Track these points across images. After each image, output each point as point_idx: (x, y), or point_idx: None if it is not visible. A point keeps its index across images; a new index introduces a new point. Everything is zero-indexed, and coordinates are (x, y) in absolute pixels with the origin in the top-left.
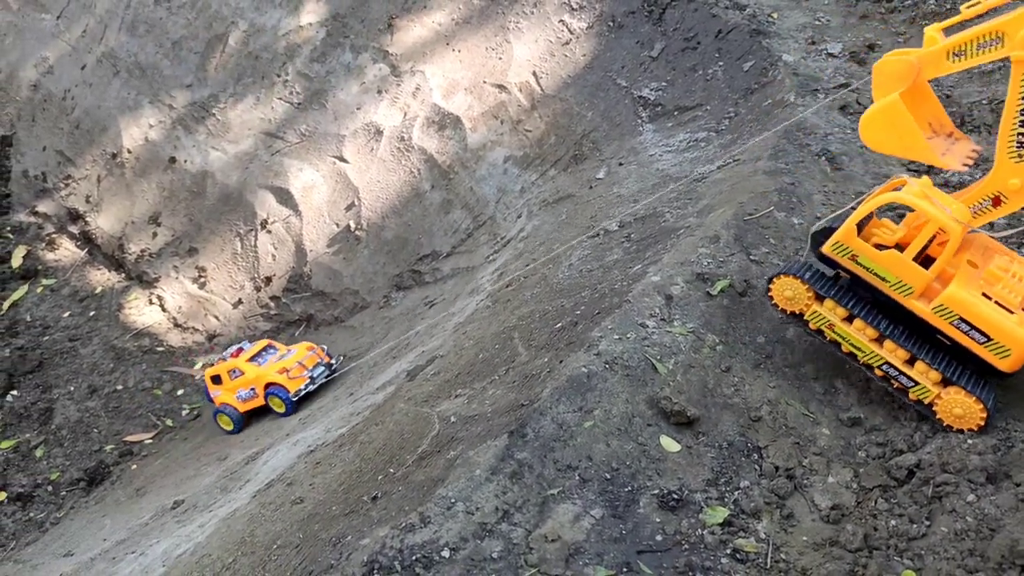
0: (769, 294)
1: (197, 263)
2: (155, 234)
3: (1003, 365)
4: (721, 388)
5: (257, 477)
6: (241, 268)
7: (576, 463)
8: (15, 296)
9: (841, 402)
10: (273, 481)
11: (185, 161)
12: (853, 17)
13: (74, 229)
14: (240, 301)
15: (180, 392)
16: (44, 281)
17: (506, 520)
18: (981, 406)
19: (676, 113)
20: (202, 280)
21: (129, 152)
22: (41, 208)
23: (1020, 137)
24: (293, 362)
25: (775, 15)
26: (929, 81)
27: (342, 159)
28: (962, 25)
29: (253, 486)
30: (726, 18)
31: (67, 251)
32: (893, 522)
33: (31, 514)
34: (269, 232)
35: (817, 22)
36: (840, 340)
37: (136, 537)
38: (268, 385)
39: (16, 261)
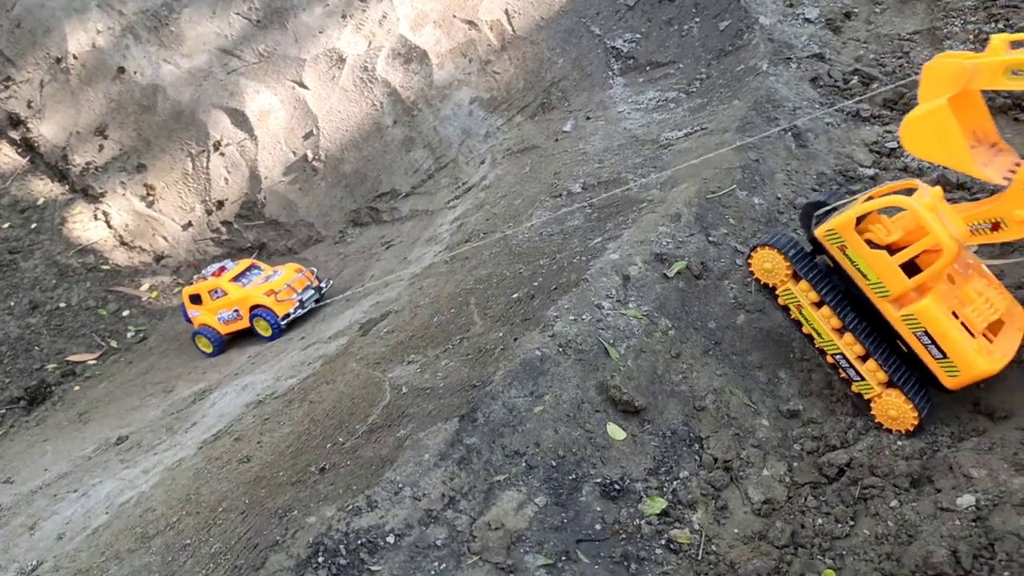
0: (749, 260)
1: (145, 180)
2: (101, 147)
3: (949, 383)
4: (670, 375)
5: (204, 421)
6: (192, 189)
7: (524, 449)
8: None
9: (783, 392)
10: (220, 432)
11: (135, 72)
12: None
13: (15, 135)
14: (190, 223)
15: (126, 313)
16: None
17: (452, 507)
18: (915, 413)
19: (648, 68)
20: (150, 198)
21: (75, 58)
22: None
23: None
24: (281, 284)
25: None
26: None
27: (302, 84)
28: None
29: (199, 431)
30: None
31: (7, 158)
32: (820, 520)
33: None
34: (222, 155)
35: None
36: (803, 321)
37: (78, 472)
38: (254, 307)
39: None
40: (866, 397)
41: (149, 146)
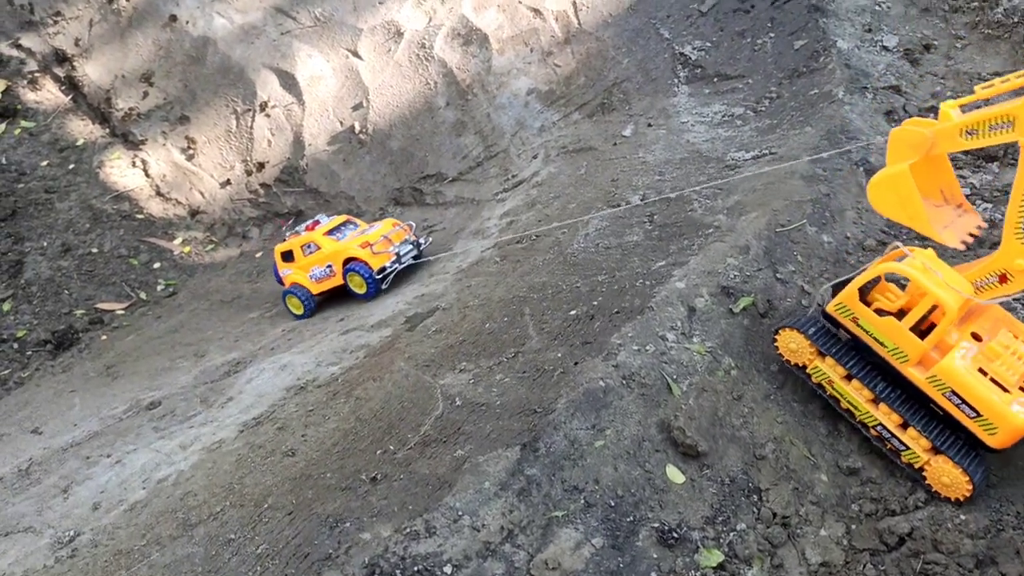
0: (774, 343)
1: (187, 133)
2: (146, 94)
3: (991, 442)
4: (731, 418)
5: (241, 398)
6: (233, 147)
7: (583, 485)
8: None
9: (842, 447)
10: (262, 417)
11: (187, 22)
12: (915, 8)
13: (59, 72)
14: (228, 182)
15: (157, 266)
16: (23, 123)
17: (510, 541)
18: (967, 478)
19: (715, 80)
20: (191, 152)
21: (127, 0)
22: (25, 42)
23: None
24: (377, 236)
25: None
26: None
27: (356, 54)
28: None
29: (236, 410)
30: None
31: (50, 94)
32: None
33: None
34: (268, 116)
35: (877, 7)
36: (839, 397)
37: (110, 435)
38: (348, 261)
39: None
40: (916, 466)
41: (194, 98)
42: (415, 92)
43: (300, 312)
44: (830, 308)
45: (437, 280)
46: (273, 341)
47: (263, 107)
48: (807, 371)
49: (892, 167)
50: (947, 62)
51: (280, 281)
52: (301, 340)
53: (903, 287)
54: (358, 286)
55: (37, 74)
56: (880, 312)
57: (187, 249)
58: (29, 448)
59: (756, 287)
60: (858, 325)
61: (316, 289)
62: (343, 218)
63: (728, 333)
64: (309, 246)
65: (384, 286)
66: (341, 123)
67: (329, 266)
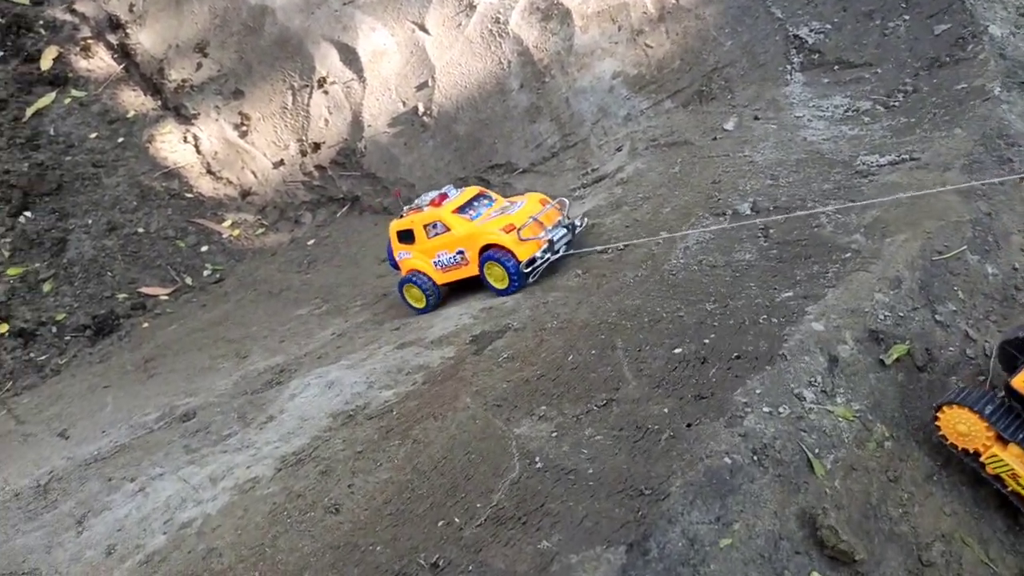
0: (936, 423)
1: (241, 108)
2: (200, 65)
3: None
4: (886, 506)
5: (282, 419)
6: (288, 126)
7: None
8: (40, 103)
9: None
10: (303, 452)
11: None
12: None
13: (112, 39)
14: (282, 162)
15: (204, 249)
16: (73, 92)
17: None
18: None
19: (836, 68)
20: (244, 128)
21: None
22: (79, 7)
23: None
24: (524, 216)
25: None
26: None
27: (423, 28)
28: None
29: (276, 435)
30: None
31: (102, 62)
32: None
33: (31, 354)
34: (326, 93)
35: None
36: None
37: (137, 450)
38: (487, 248)
39: (46, 63)
40: None
41: (250, 72)
42: (486, 72)
43: (422, 305)
44: (1019, 383)
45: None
46: (322, 346)
47: (321, 83)
48: (981, 460)
49: None
50: None
51: (395, 266)
52: (352, 349)
53: None
54: (498, 280)
55: (90, 41)
56: None
57: (236, 232)
58: (53, 456)
59: (912, 332)
60: None
61: (442, 279)
62: (475, 190)
63: (879, 391)
64: (435, 226)
65: (532, 279)
66: (404, 103)
67: (460, 252)
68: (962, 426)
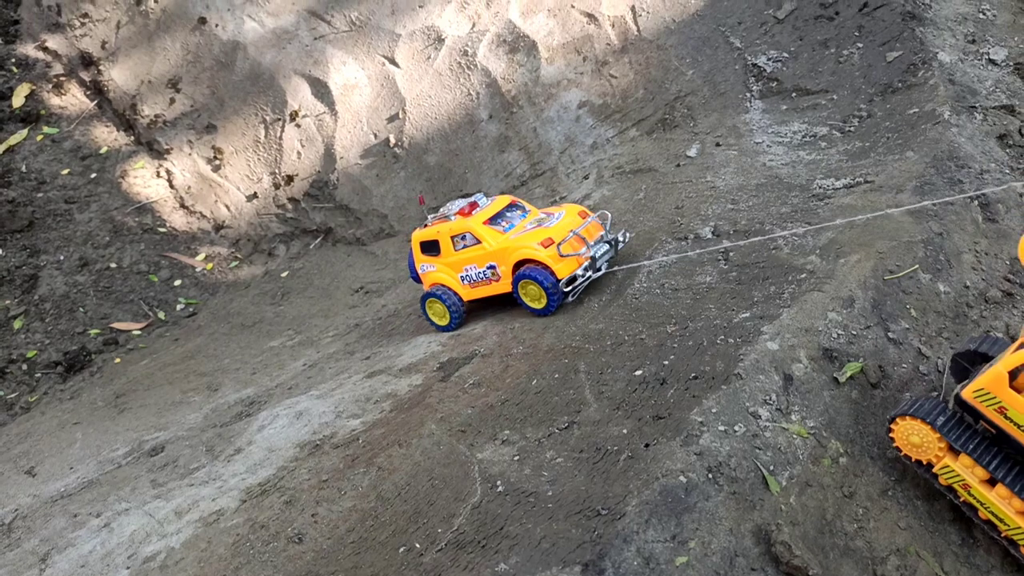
0: (890, 435)
1: (214, 142)
2: (172, 100)
3: None
4: (842, 522)
5: (249, 451)
6: (261, 159)
7: None
8: (12, 140)
9: (980, 561)
10: (268, 483)
11: (216, 25)
12: None
13: (85, 76)
14: (255, 195)
15: (178, 283)
16: (45, 128)
17: None
18: None
19: (794, 95)
20: (217, 162)
21: (156, 2)
22: (51, 44)
23: None
24: (564, 231)
25: None
26: None
27: (393, 62)
28: None
29: (243, 467)
30: None
31: (74, 99)
32: None
33: (1, 392)
34: (298, 126)
35: (981, 15)
36: (977, 505)
37: (105, 486)
38: (522, 264)
39: (18, 100)
40: None
41: (222, 106)
42: (455, 103)
43: (445, 322)
44: (967, 394)
45: (474, 317)
46: (292, 378)
47: (293, 116)
48: (934, 471)
49: None
50: None
51: (416, 278)
52: (322, 379)
53: None
54: (534, 299)
55: (62, 78)
56: None
57: (210, 266)
58: (19, 494)
59: (865, 349)
60: (1007, 418)
61: (469, 295)
62: (507, 199)
63: (833, 409)
64: (464, 237)
65: (571, 299)
66: (375, 135)
67: (491, 267)
68: (915, 437)
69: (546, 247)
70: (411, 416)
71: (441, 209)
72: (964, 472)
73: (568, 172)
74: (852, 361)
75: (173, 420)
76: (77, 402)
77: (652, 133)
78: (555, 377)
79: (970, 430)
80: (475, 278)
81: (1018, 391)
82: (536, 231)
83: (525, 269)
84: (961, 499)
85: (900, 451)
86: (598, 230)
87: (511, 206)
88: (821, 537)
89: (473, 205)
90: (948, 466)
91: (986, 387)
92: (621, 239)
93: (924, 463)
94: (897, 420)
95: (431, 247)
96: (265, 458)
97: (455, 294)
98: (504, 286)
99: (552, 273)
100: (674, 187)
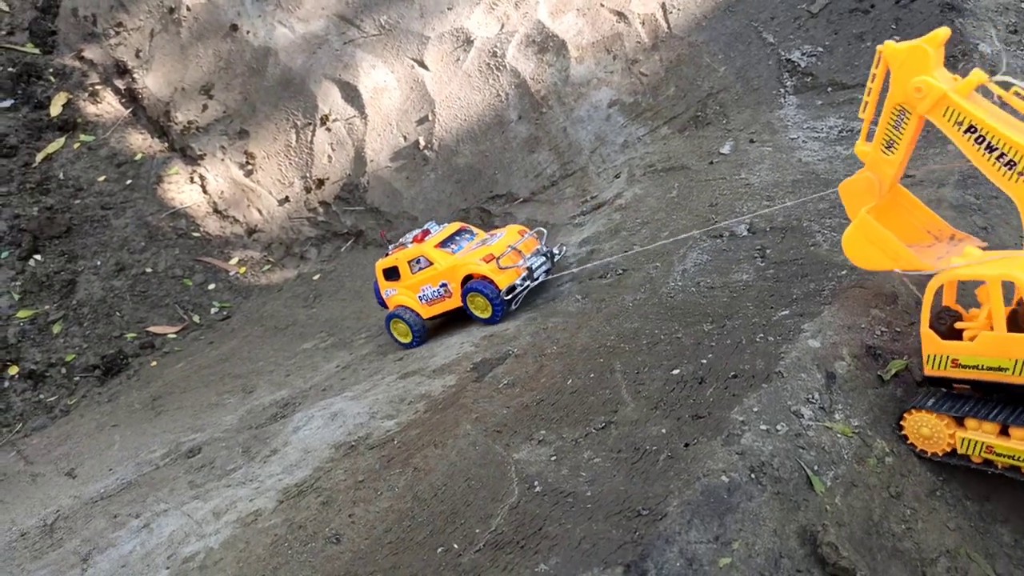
0: (909, 443)
1: (246, 147)
2: (205, 107)
3: None
4: (889, 523)
5: (285, 451)
6: (293, 163)
7: None
8: (50, 149)
9: None
10: (305, 484)
11: (248, 32)
12: None
13: (120, 84)
14: (287, 199)
15: (212, 287)
16: (82, 136)
17: None
18: None
19: (829, 89)
20: (249, 167)
21: (188, 10)
22: (88, 54)
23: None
24: (503, 247)
25: None
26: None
27: (422, 64)
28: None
29: (279, 467)
30: None
31: (110, 107)
32: None
33: (41, 395)
34: (329, 130)
35: (1023, 5)
36: (1014, 462)
37: (143, 487)
38: (468, 279)
39: (55, 109)
40: None
41: (254, 112)
42: (485, 104)
43: (408, 340)
44: (927, 370)
45: (508, 317)
46: (326, 379)
47: (324, 121)
48: (962, 453)
49: (856, 218)
50: None
51: (382, 303)
52: (356, 381)
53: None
54: (481, 309)
55: (98, 87)
56: (972, 338)
57: (243, 269)
58: (60, 495)
59: (910, 346)
60: (964, 366)
61: (427, 312)
62: (457, 226)
63: (878, 407)
64: (418, 261)
65: (514, 306)
66: (405, 138)
67: (444, 285)
68: (924, 429)
69: (487, 262)
70: (446, 416)
71: (400, 240)
72: (976, 435)
73: (599, 171)
74: (896, 359)
75: (209, 422)
76: (115, 405)
77: (684, 131)
78: (591, 376)
79: (960, 397)
80: (431, 296)
81: (954, 337)
82: (479, 249)
83: (471, 283)
84: (1002, 466)
85: (927, 452)
86: (535, 244)
87: (460, 231)
88: (868, 538)
89: (426, 232)
90: (968, 439)
91: (929, 353)
92: (556, 252)
93: (951, 452)
94: (903, 425)
95: (392, 273)
96: (301, 459)
97: (416, 313)
98: (456, 301)
99: (494, 284)
100: (708, 185)
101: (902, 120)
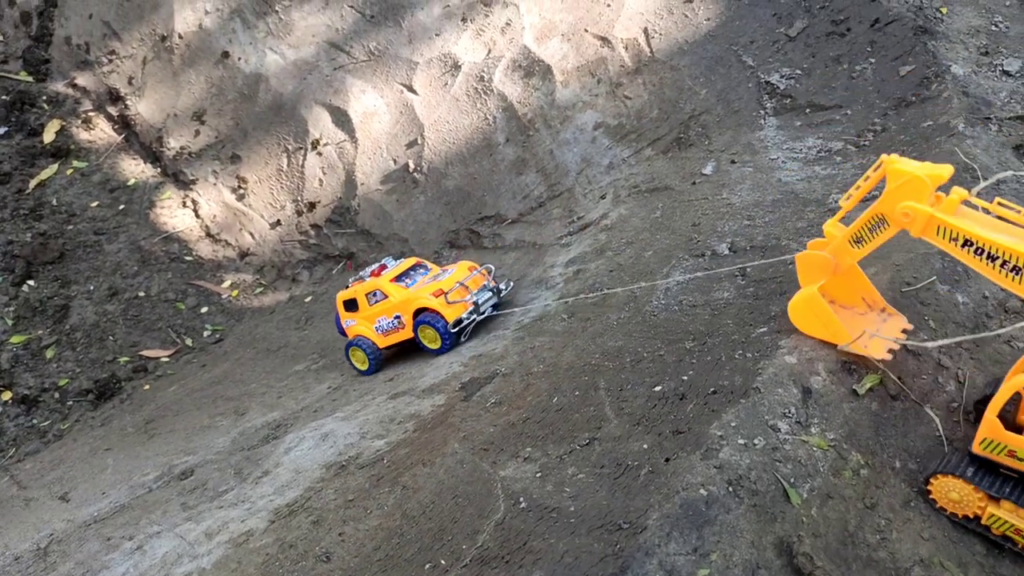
0: (930, 497)
1: (238, 172)
2: (197, 132)
3: None
4: (864, 533)
5: (277, 472)
6: (284, 187)
7: None
8: (43, 175)
9: (1006, 571)
10: (296, 504)
11: (239, 58)
12: None
13: (112, 110)
14: (279, 222)
15: (204, 310)
16: (75, 163)
17: None
18: None
19: (808, 111)
20: (241, 192)
21: (180, 37)
22: (80, 81)
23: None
24: (452, 283)
25: (945, 10)
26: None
27: (411, 89)
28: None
29: (271, 488)
30: (887, 5)
31: (102, 133)
32: None
33: (35, 420)
34: (319, 154)
35: (993, 27)
36: None
37: (136, 510)
38: (419, 312)
39: (48, 136)
40: None
41: (246, 137)
42: (473, 128)
43: (365, 367)
44: (977, 448)
45: (496, 338)
46: (318, 400)
47: (315, 145)
48: (984, 524)
49: (805, 290)
50: None
51: (343, 332)
52: (347, 402)
53: None
54: (431, 340)
55: (91, 113)
56: None
57: (235, 293)
58: (54, 519)
59: (883, 361)
60: (1019, 459)
61: (383, 342)
62: (412, 261)
63: (853, 421)
64: (375, 294)
65: (463, 338)
66: (395, 161)
67: (397, 317)
68: (953, 494)
69: (437, 296)
70: (434, 435)
71: (360, 274)
72: (1010, 517)
73: (585, 192)
74: (871, 373)
75: (202, 444)
76: (108, 428)
77: (667, 152)
78: (575, 394)
79: (1002, 477)
80: (386, 327)
81: (1020, 429)
82: (430, 284)
83: (422, 316)
84: (1020, 546)
85: (945, 511)
86: (483, 280)
87: (415, 266)
88: (843, 548)
89: (382, 267)
90: (994, 515)
91: (987, 436)
92: (503, 287)
93: (972, 517)
94: (931, 481)
95: (351, 304)
96: (292, 479)
97: (372, 342)
98: (408, 333)
99: (443, 317)
100: (690, 205)
101: (879, 227)
